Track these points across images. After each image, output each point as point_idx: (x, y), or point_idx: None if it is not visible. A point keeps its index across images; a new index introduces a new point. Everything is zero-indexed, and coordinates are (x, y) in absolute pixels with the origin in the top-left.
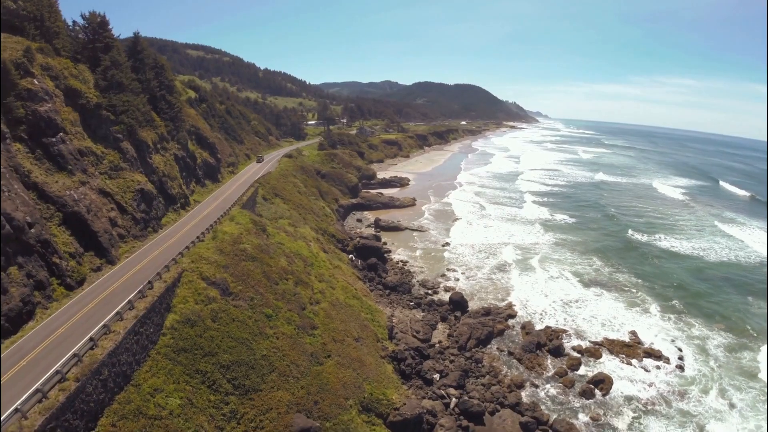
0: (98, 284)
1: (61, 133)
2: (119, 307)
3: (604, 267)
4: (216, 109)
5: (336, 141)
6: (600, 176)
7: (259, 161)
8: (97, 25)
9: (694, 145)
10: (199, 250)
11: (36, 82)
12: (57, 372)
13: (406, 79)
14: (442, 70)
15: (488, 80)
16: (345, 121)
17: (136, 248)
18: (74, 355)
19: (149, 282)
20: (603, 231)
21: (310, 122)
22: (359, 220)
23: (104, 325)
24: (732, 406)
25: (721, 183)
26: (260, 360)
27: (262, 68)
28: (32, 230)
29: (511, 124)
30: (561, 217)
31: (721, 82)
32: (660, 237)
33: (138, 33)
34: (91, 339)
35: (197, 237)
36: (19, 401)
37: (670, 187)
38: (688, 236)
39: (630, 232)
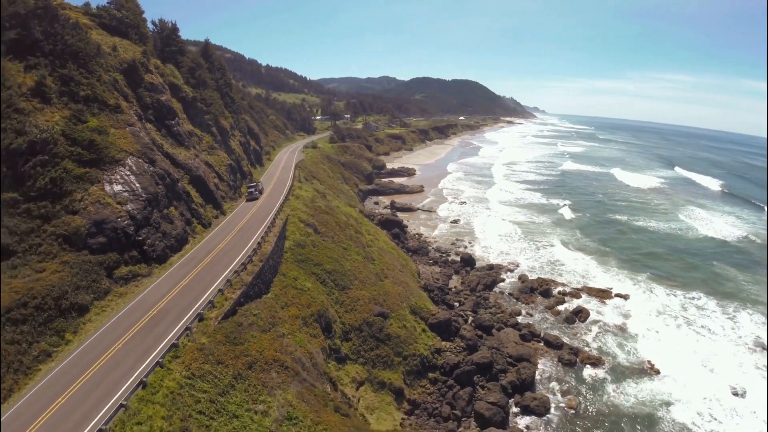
0: (223, 226)
1: (177, 118)
2: (263, 226)
3: (584, 238)
4: (240, 104)
5: (345, 135)
6: (585, 167)
7: (251, 198)
8: (170, 31)
9: (684, 139)
10: (292, 204)
11: (154, 78)
12: (248, 256)
13: (404, 74)
14: (440, 66)
15: (486, 76)
16: (349, 116)
17: (234, 207)
18: (253, 249)
19: (273, 219)
20: (585, 211)
21: (317, 117)
22: (376, 203)
23: (262, 237)
24: (668, 327)
25: (698, 176)
26: (347, 272)
27: (263, 65)
28: (179, 184)
29: (509, 119)
30: (556, 202)
31: (715, 78)
32: (635, 217)
33: (208, 39)
34: (258, 243)
35: (284, 197)
36: (233, 264)
37: (649, 177)
38: (665, 218)
39: (609, 214)
